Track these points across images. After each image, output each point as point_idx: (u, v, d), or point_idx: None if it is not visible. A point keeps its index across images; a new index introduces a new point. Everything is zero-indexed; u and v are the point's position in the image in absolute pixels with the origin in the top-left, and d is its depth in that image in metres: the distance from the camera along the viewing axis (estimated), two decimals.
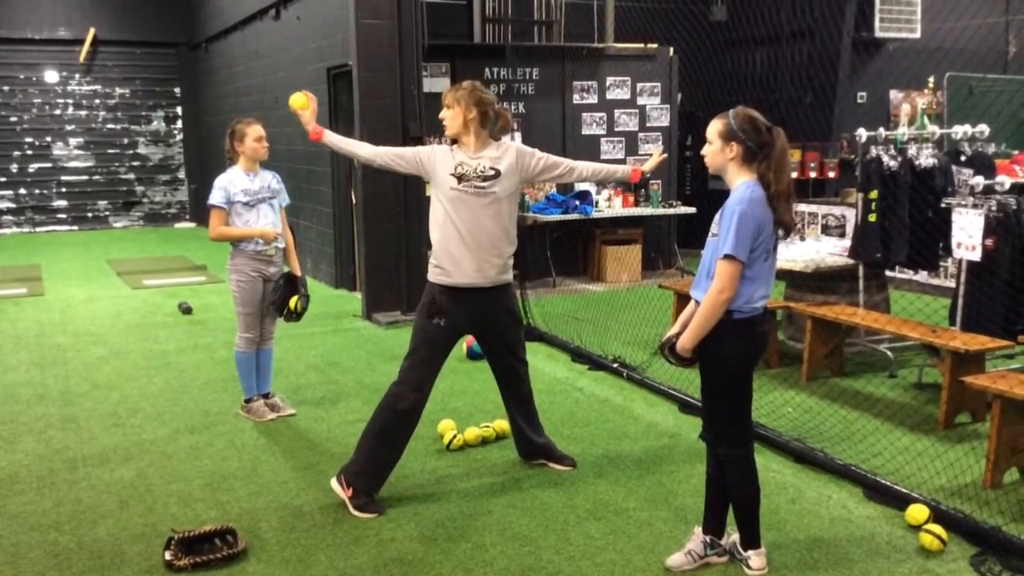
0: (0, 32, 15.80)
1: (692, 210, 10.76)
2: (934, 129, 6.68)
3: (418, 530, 4.02)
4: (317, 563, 3.73)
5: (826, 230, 9.51)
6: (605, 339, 7.25)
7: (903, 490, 4.20)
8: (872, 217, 6.32)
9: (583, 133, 10.83)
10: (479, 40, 11.37)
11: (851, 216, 8.11)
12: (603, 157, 10.79)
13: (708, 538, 3.65)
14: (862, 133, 6.43)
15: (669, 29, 9.97)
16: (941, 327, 5.78)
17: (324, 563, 3.73)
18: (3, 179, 16.34)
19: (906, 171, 6.31)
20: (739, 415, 3.52)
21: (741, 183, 3.38)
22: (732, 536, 3.67)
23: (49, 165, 16.60)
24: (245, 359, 5.55)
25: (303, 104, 4.47)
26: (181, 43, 17.03)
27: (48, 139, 16.56)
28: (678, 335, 3.47)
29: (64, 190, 16.73)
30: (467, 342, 6.64)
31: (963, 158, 6.50)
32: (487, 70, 10.23)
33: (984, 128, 6.47)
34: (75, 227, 16.82)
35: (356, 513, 4.16)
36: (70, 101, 16.64)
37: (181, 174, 17.61)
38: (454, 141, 4.33)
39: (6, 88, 16.21)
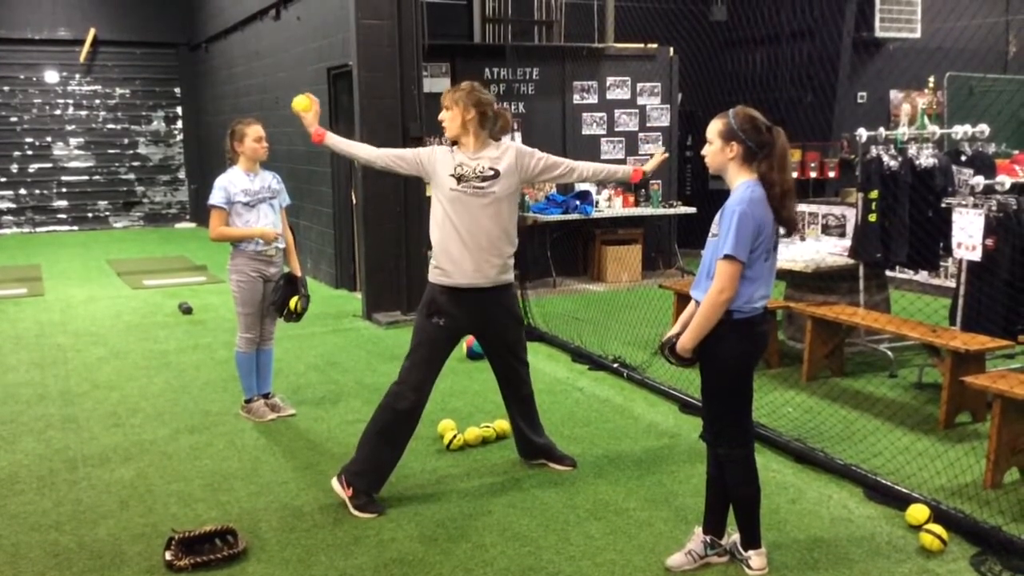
0: (0, 32, 15.81)
1: (692, 210, 10.76)
2: (934, 129, 6.68)
3: (418, 530, 4.02)
4: (317, 563, 3.73)
5: (826, 230, 9.51)
6: (605, 339, 7.25)
7: (903, 490, 4.20)
8: (872, 217, 6.32)
9: (583, 133, 10.83)
10: (479, 40, 11.37)
11: (851, 216, 8.11)
12: (603, 157, 10.79)
13: (708, 538, 3.65)
14: (862, 133, 6.43)
15: (669, 29, 9.97)
16: (941, 327, 5.78)
17: (324, 563, 3.73)
18: (3, 179, 16.34)
19: (906, 171, 6.31)
20: (739, 415, 3.51)
21: (741, 183, 3.38)
22: (732, 536, 3.67)
23: (49, 165, 16.60)
24: (245, 359, 5.55)
25: (306, 107, 4.48)
26: (181, 43, 17.04)
27: (48, 139, 16.56)
28: (678, 335, 3.47)
29: (64, 190, 16.74)
30: (467, 342, 6.63)
31: (963, 158, 6.50)
32: (487, 70, 10.23)
33: (984, 128, 6.47)
34: (75, 227, 16.83)
35: (356, 513, 4.16)
36: (70, 101, 16.65)
37: (181, 174, 17.62)
38: (455, 142, 4.34)
39: (6, 88, 16.21)
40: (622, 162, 10.83)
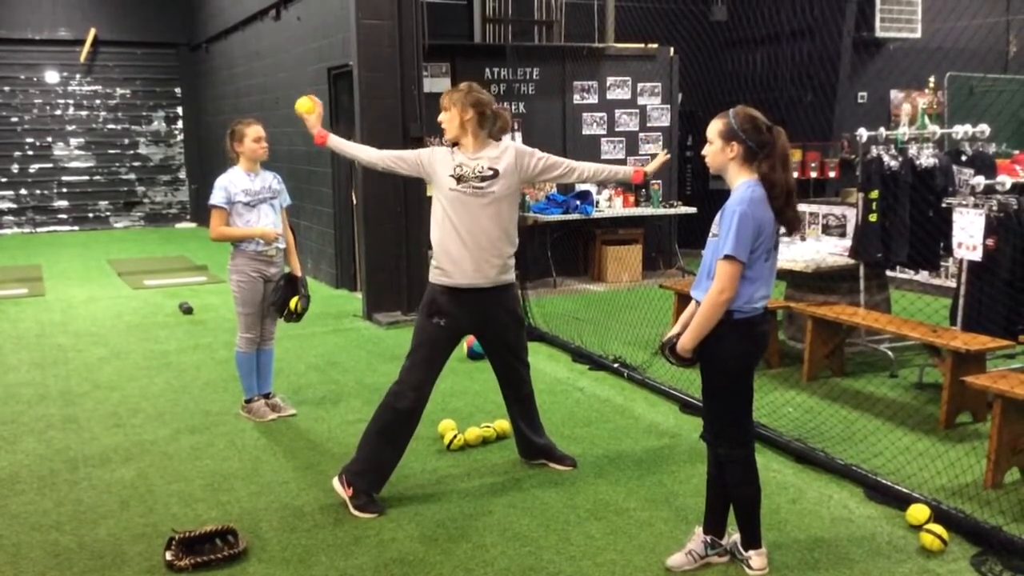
0: (1, 32, 15.81)
1: (693, 210, 10.76)
2: (935, 129, 6.68)
3: (419, 530, 4.02)
4: (318, 563, 3.73)
5: (827, 230, 9.51)
6: (606, 339, 7.25)
7: (904, 490, 4.20)
8: (873, 217, 6.31)
9: (583, 133, 10.83)
10: (479, 40, 11.37)
11: (852, 216, 8.11)
12: (603, 157, 10.79)
13: (709, 538, 3.65)
14: (863, 133, 6.43)
15: (669, 29, 9.97)
16: (942, 327, 5.78)
17: (325, 563, 3.73)
18: (4, 179, 16.35)
19: (907, 171, 6.31)
20: (740, 415, 3.51)
21: (742, 183, 3.38)
22: (733, 536, 3.67)
23: (50, 165, 16.61)
24: (246, 359, 5.55)
25: (309, 109, 4.49)
26: (182, 43, 17.04)
27: (49, 139, 16.56)
28: (679, 335, 3.47)
29: (65, 190, 16.74)
30: (468, 342, 6.63)
31: (964, 158, 6.50)
32: (487, 70, 10.23)
33: (985, 128, 6.47)
34: (76, 227, 16.83)
35: (356, 513, 4.16)
36: (71, 101, 16.65)
37: (182, 174, 17.62)
38: (455, 143, 4.34)
39: (7, 88, 16.21)
40: (623, 162, 10.83)
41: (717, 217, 3.40)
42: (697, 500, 4.05)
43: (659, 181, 10.84)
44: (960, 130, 6.54)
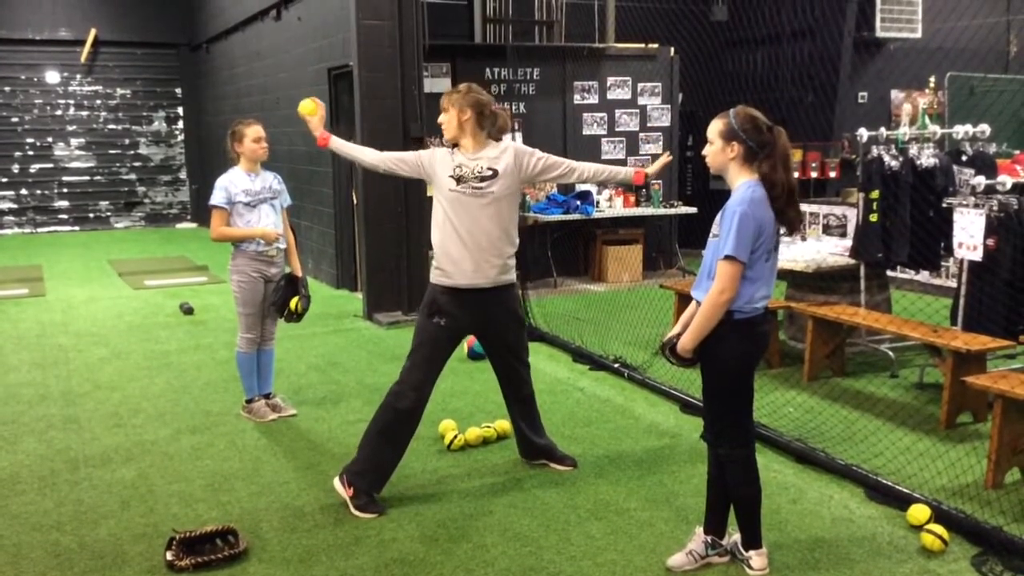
0: (1, 33, 15.82)
1: (693, 210, 10.76)
2: (935, 129, 6.67)
3: (419, 530, 4.02)
4: (318, 563, 3.73)
5: (827, 230, 9.51)
6: (606, 339, 7.25)
7: (904, 490, 4.20)
8: (873, 217, 6.31)
9: (584, 133, 10.83)
10: (480, 40, 11.37)
11: (852, 216, 8.11)
12: (604, 157, 10.79)
13: (709, 538, 3.65)
14: (863, 133, 6.43)
15: (670, 29, 9.97)
16: (942, 327, 5.78)
17: (325, 563, 3.73)
18: (4, 180, 16.35)
19: (907, 171, 6.31)
20: (740, 415, 3.51)
21: (742, 183, 3.38)
22: (733, 536, 3.67)
23: (50, 166, 16.61)
24: (246, 359, 5.55)
25: (311, 110, 4.51)
26: (182, 44, 17.05)
27: (49, 140, 16.57)
28: (679, 335, 3.47)
29: (65, 191, 16.75)
30: (468, 342, 6.63)
31: (964, 158, 6.50)
32: (488, 70, 10.23)
33: (985, 128, 6.47)
34: (76, 227, 16.84)
35: (357, 513, 4.16)
36: (71, 102, 16.66)
37: (182, 174, 17.63)
38: (455, 144, 4.34)
39: (7, 89, 16.22)
40: (623, 163, 10.83)
41: (718, 217, 3.40)
42: (698, 500, 4.05)
43: (659, 181, 10.83)
44: (961, 130, 6.54)
